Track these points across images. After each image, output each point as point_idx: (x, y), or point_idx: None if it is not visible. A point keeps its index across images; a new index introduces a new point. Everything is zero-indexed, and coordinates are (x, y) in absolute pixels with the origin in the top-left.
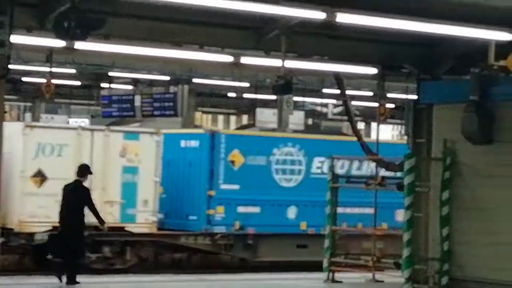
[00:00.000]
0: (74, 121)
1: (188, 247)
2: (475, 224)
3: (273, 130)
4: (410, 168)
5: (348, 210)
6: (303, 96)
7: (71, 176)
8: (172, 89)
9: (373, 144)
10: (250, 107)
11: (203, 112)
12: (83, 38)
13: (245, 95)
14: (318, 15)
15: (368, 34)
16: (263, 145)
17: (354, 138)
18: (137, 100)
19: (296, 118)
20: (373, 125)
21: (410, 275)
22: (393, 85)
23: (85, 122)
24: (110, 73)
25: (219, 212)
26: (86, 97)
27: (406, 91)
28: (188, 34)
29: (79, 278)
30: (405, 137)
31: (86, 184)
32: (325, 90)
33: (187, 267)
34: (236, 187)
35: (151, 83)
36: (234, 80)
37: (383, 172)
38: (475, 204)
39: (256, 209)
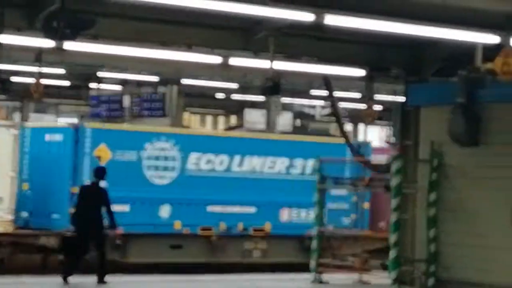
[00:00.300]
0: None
1: (49, 248)
2: (462, 225)
3: (145, 126)
4: (398, 170)
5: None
6: (292, 97)
7: None
8: (160, 89)
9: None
10: (238, 108)
11: (192, 112)
12: (72, 38)
13: (234, 96)
14: (307, 16)
15: (357, 36)
16: (134, 140)
17: (236, 134)
18: (126, 101)
19: (285, 119)
20: (361, 126)
21: (397, 277)
22: (381, 87)
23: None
24: (99, 74)
25: None
26: (75, 97)
27: (394, 93)
28: (177, 35)
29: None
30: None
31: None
32: (313, 92)
33: (46, 268)
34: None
35: (140, 83)
36: (222, 81)
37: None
38: (462, 206)
39: (125, 208)
